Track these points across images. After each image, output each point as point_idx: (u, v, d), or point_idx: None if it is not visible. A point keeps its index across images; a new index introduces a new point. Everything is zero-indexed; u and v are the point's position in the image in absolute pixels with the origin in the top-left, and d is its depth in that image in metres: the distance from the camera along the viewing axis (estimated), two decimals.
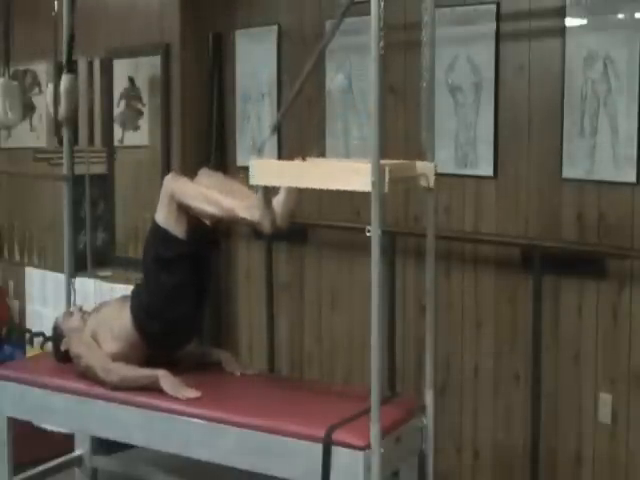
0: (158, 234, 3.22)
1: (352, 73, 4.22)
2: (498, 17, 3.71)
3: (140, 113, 4.99)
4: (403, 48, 3.82)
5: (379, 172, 2.53)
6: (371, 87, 2.55)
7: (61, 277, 4.32)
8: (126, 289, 4.06)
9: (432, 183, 2.89)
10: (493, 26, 3.72)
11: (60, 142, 4.23)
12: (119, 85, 5.08)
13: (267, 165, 2.83)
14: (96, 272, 4.94)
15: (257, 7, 4.67)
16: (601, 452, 3.52)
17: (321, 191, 2.74)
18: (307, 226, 4.35)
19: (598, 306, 3.51)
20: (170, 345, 3.34)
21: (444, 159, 3.60)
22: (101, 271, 4.99)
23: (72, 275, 4.14)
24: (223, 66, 4.81)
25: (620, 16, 3.39)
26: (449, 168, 3.80)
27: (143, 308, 3.25)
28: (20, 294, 5.77)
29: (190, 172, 3.38)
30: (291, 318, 4.60)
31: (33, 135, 5.75)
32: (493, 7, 3.72)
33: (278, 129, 3.07)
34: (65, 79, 4.01)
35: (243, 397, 3.17)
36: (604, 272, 3.47)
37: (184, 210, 3.15)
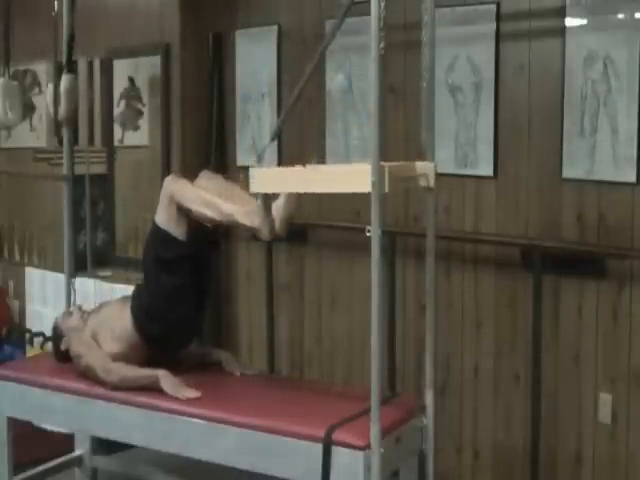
0: (158, 236, 3.22)
1: (352, 73, 4.22)
2: (498, 17, 3.71)
3: (140, 113, 4.99)
4: (403, 48, 3.82)
5: (379, 172, 2.53)
6: (371, 87, 2.55)
7: (61, 277, 4.32)
8: (126, 289, 4.07)
9: (432, 183, 2.89)
10: (493, 26, 3.72)
11: (60, 142, 4.23)
12: (119, 85, 5.08)
13: (267, 173, 2.83)
14: (96, 272, 4.94)
15: (257, 7, 4.67)
16: (601, 452, 3.52)
17: (321, 192, 2.75)
18: (307, 226, 4.35)
19: (598, 306, 3.51)
20: (171, 346, 3.34)
21: (444, 159, 3.60)
22: (101, 271, 4.99)
23: (72, 275, 4.14)
24: (223, 66, 4.81)
25: (620, 16, 3.39)
26: (449, 168, 3.80)
27: (143, 309, 3.25)
28: (20, 294, 5.77)
29: (190, 172, 3.39)
30: (291, 318, 4.60)
31: (33, 135, 5.75)
32: (493, 7, 3.72)
33: (278, 134, 3.07)
34: (65, 79, 4.01)
35: (243, 397, 3.17)
36: (604, 272, 3.47)
37: (184, 212, 3.15)
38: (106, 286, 4.81)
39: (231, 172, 4.67)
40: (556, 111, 3.56)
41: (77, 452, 4.05)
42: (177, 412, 3.04)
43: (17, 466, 3.66)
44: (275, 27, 4.55)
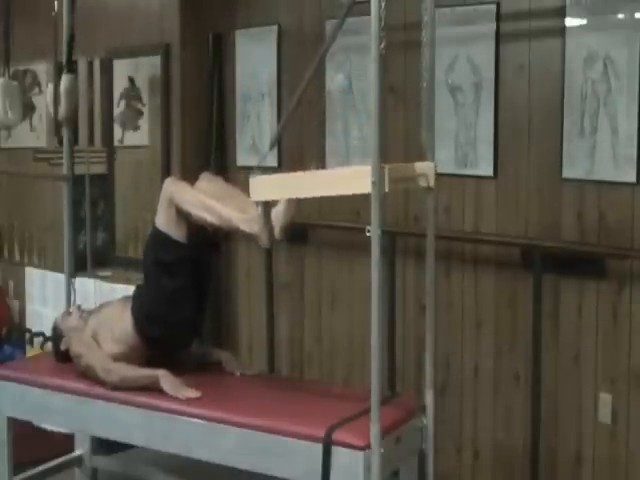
0: (158, 238, 3.21)
1: (352, 73, 4.22)
2: (498, 17, 3.71)
3: (140, 113, 4.99)
4: (403, 48, 3.82)
5: (379, 172, 2.53)
6: (371, 87, 2.55)
7: (61, 277, 4.32)
8: (126, 289, 4.07)
9: (432, 183, 2.89)
10: (493, 26, 3.72)
11: (60, 142, 4.23)
12: (119, 85, 5.08)
13: (267, 180, 2.83)
14: (96, 272, 4.94)
15: (257, 7, 4.67)
16: (601, 452, 3.52)
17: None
18: (307, 226, 4.34)
19: (598, 306, 3.51)
20: (171, 348, 3.33)
21: (444, 159, 3.60)
22: (101, 271, 4.98)
23: (72, 275, 4.14)
24: (223, 66, 4.81)
25: (620, 16, 3.39)
26: (449, 168, 3.80)
27: (144, 311, 3.25)
28: (20, 294, 5.77)
29: (190, 172, 3.39)
30: (291, 318, 4.60)
31: (33, 135, 5.75)
32: (493, 7, 3.72)
33: (279, 140, 3.07)
34: (65, 79, 4.01)
35: (243, 397, 3.17)
36: (604, 272, 3.46)
37: (184, 215, 3.14)
38: (106, 286, 4.81)
39: (231, 172, 4.67)
40: (556, 111, 3.56)
41: (77, 452, 4.05)
42: (177, 412, 3.04)
43: (17, 466, 3.66)
44: (275, 27, 4.55)
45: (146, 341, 3.25)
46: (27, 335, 5.33)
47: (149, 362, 3.25)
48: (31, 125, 5.73)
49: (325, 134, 4.35)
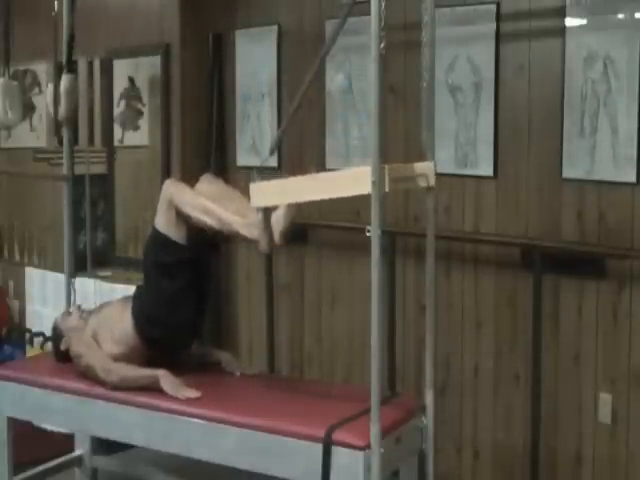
0: (158, 240, 3.21)
1: (352, 73, 4.22)
2: (498, 17, 3.71)
3: (140, 113, 4.99)
4: (403, 48, 3.82)
5: (379, 172, 2.53)
6: (371, 87, 2.55)
7: (61, 277, 4.32)
8: (126, 289, 4.07)
9: (432, 183, 2.89)
10: (493, 26, 3.72)
11: (60, 142, 4.23)
12: (119, 85, 5.09)
13: (267, 186, 2.82)
14: (96, 272, 4.94)
15: (257, 7, 4.67)
16: (601, 452, 3.52)
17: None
18: (307, 226, 4.34)
19: (598, 306, 3.51)
20: (171, 349, 3.33)
21: (444, 159, 3.60)
22: (101, 271, 4.99)
23: (72, 275, 4.14)
24: (223, 66, 4.81)
25: (620, 16, 3.39)
26: (449, 168, 3.80)
27: (144, 313, 3.25)
28: (20, 294, 5.77)
29: (190, 172, 3.39)
30: (291, 318, 4.60)
31: (33, 135, 5.75)
32: (493, 7, 3.72)
33: (279, 144, 3.07)
34: (65, 79, 4.01)
35: (243, 397, 3.17)
36: (604, 272, 3.46)
37: (183, 216, 3.14)
38: (106, 286, 4.81)
39: (231, 172, 4.67)
40: (556, 111, 3.56)
41: (77, 452, 4.04)
42: (177, 412, 3.04)
43: (17, 466, 3.66)
44: (275, 27, 4.55)
45: (146, 342, 3.25)
46: (27, 335, 5.33)
47: (149, 362, 3.24)
48: (31, 125, 5.73)
49: (325, 134, 4.35)
